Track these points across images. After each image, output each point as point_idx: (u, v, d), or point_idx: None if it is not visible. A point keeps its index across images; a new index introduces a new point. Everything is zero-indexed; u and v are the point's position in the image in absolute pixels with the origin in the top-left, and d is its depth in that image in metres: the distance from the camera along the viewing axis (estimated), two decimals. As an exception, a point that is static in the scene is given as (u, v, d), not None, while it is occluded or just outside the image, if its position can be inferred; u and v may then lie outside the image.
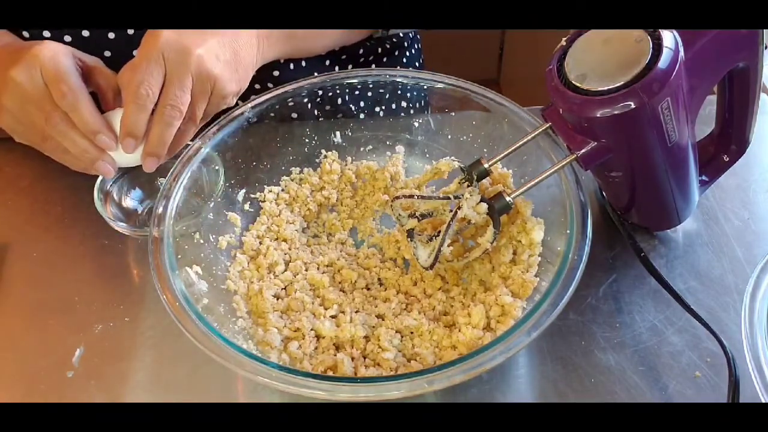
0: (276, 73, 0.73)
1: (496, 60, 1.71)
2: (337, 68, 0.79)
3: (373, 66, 0.83)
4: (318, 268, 0.58)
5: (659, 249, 0.59)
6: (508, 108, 0.58)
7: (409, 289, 0.56)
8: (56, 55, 0.54)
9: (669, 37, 0.43)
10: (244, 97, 0.63)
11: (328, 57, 0.77)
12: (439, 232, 0.52)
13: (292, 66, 0.74)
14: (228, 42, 0.58)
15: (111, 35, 0.65)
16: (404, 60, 0.86)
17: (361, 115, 0.77)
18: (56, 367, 0.52)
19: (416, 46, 0.90)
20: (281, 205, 0.62)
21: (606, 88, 0.43)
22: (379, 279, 0.58)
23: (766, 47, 0.48)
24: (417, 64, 0.90)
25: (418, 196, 0.55)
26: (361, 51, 0.80)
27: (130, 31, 0.65)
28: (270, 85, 0.75)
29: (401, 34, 0.85)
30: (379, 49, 0.82)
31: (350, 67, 0.81)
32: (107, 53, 0.66)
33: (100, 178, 0.60)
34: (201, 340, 0.44)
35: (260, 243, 0.59)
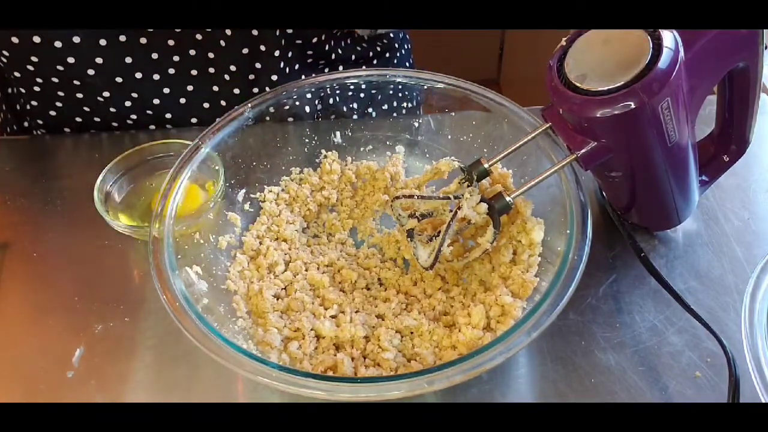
0: (274, 77, 0.73)
1: (496, 60, 1.71)
2: (326, 71, 0.79)
3: (364, 67, 0.83)
4: (318, 268, 0.58)
5: (659, 249, 0.59)
6: (508, 108, 0.58)
7: (409, 289, 0.56)
8: None
9: (669, 37, 0.43)
10: (243, 99, 0.63)
11: (323, 61, 0.77)
12: (439, 232, 0.52)
13: (287, 70, 0.74)
14: None
15: (102, 42, 0.66)
16: (395, 61, 0.87)
17: (361, 115, 0.77)
18: (56, 367, 0.52)
19: (406, 47, 0.90)
20: (281, 205, 0.62)
21: (606, 88, 0.43)
22: (379, 279, 0.58)
23: (766, 47, 0.48)
24: (407, 63, 0.90)
25: (418, 196, 0.55)
26: (353, 57, 0.80)
27: (123, 38, 0.66)
28: (267, 88, 0.75)
29: (392, 35, 0.85)
30: (371, 53, 0.82)
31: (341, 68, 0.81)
32: (99, 60, 0.67)
33: (100, 177, 0.60)
34: (201, 340, 0.44)
35: (260, 243, 0.59)
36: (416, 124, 0.66)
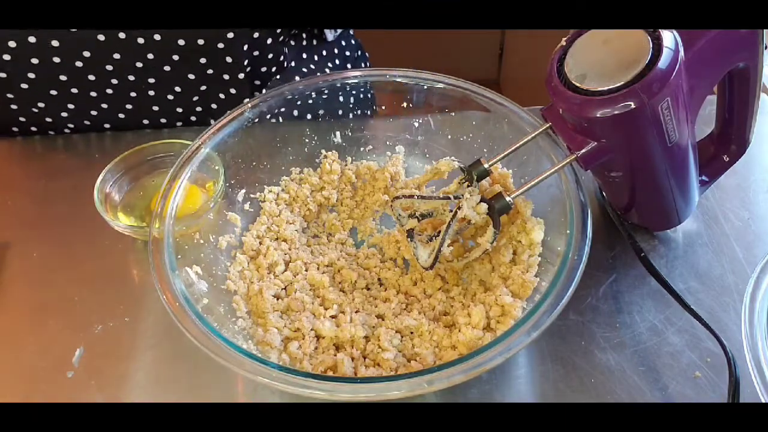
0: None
1: (496, 60, 1.71)
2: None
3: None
4: (318, 268, 0.58)
5: (659, 249, 0.59)
6: (508, 108, 0.58)
7: (409, 289, 0.56)
8: None
9: (669, 37, 0.43)
10: (244, 98, 0.62)
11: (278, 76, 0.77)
12: (439, 232, 0.52)
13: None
14: None
15: (101, 37, 0.65)
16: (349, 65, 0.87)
17: (361, 115, 0.77)
18: (56, 367, 0.52)
19: (358, 52, 0.89)
20: (281, 205, 0.62)
21: (606, 88, 0.43)
22: (379, 279, 0.58)
23: (766, 47, 0.49)
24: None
25: (418, 196, 0.55)
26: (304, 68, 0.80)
27: (122, 34, 0.65)
28: (269, 84, 0.75)
29: (343, 42, 0.84)
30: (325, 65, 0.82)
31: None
32: (86, 53, 0.66)
33: (100, 177, 0.60)
34: (201, 340, 0.44)
35: (260, 243, 0.59)
36: (416, 124, 0.66)
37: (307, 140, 0.65)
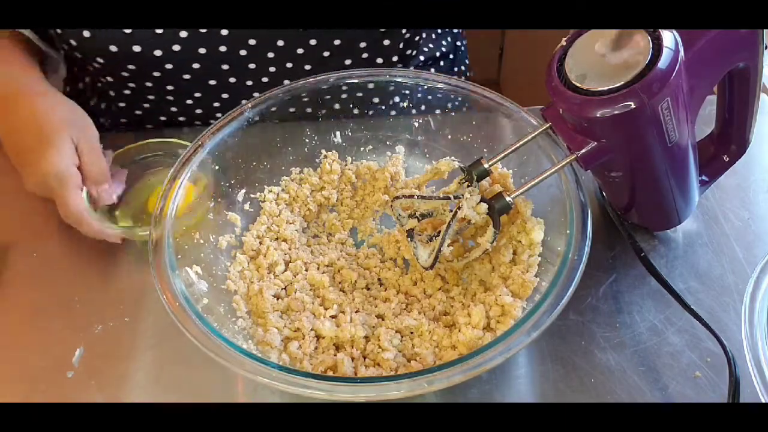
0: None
1: (496, 60, 1.71)
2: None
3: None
4: (318, 268, 0.58)
5: (659, 249, 0.59)
6: (508, 108, 0.58)
7: (409, 289, 0.56)
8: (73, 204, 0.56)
9: (669, 37, 0.43)
10: (245, 98, 0.62)
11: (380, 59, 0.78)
12: (439, 232, 0.52)
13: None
14: None
15: (202, 50, 0.65)
16: (456, 59, 0.87)
17: (361, 115, 0.77)
18: (56, 367, 0.52)
19: (464, 44, 0.90)
20: (281, 205, 0.62)
21: (606, 88, 0.43)
22: (379, 279, 0.58)
23: (766, 47, 0.49)
24: (465, 62, 0.90)
25: (418, 196, 0.55)
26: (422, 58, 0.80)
27: (223, 48, 0.65)
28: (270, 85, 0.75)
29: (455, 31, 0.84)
30: (437, 53, 0.83)
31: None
32: (196, 65, 0.66)
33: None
34: (201, 340, 0.44)
35: (260, 243, 0.59)
36: (416, 124, 0.66)
37: (307, 140, 0.65)
